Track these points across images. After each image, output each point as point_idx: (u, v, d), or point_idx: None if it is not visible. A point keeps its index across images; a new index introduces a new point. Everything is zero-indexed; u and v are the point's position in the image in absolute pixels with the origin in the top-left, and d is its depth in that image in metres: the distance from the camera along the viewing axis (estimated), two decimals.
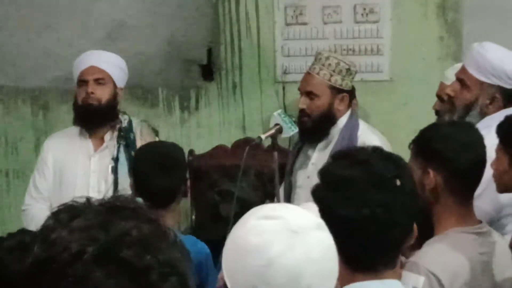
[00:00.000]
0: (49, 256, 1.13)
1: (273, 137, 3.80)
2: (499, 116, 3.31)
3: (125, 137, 4.14)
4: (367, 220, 1.94)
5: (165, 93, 5.66)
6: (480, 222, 2.62)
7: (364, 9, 5.37)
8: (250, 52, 5.55)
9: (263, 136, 3.75)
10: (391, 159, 2.05)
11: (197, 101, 5.66)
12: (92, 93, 4.07)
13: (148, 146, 3.60)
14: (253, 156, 4.21)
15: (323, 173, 2.07)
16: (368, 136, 3.75)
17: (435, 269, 2.38)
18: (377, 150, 2.12)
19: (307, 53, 5.30)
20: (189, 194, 5.34)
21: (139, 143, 4.15)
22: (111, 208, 1.19)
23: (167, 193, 3.22)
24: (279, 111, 3.90)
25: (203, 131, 5.65)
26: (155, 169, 3.23)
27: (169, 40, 5.56)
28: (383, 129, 4.70)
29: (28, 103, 5.63)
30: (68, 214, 1.18)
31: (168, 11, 5.53)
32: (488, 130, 2.77)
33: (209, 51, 5.60)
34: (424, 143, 2.58)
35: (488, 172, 2.68)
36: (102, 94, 4.09)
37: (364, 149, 2.12)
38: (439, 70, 4.79)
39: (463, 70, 3.53)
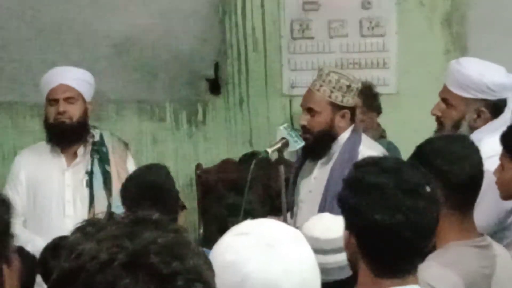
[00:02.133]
0: (77, 266, 1.16)
1: (280, 151, 3.80)
2: (487, 128, 3.35)
3: (98, 150, 4.17)
4: (401, 225, 1.98)
5: (172, 107, 5.69)
6: (482, 234, 2.63)
7: (370, 23, 5.40)
8: (257, 66, 5.57)
9: (269, 150, 3.75)
10: (417, 167, 2.09)
11: (204, 115, 5.69)
12: (64, 112, 4.09)
13: (131, 181, 3.49)
14: (260, 169, 4.22)
15: (351, 180, 2.09)
16: (368, 151, 3.74)
17: (435, 283, 2.38)
18: (400, 159, 2.18)
19: (314, 67, 5.32)
20: (197, 208, 5.38)
21: (111, 157, 4.20)
22: (134, 220, 1.23)
23: None
24: (285, 124, 3.90)
25: (210, 145, 5.68)
26: (144, 204, 3.18)
27: (176, 54, 5.60)
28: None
29: (36, 118, 5.66)
30: (93, 228, 1.22)
31: (175, 26, 5.56)
32: (478, 144, 2.77)
33: (216, 66, 5.63)
34: (419, 158, 2.59)
35: (482, 186, 2.68)
36: (73, 112, 4.12)
37: (389, 158, 2.17)
38: None
39: (445, 89, 3.54)
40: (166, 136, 5.71)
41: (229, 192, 5.19)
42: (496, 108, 3.44)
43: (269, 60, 5.57)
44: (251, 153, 5.28)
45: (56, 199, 4.11)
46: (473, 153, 2.63)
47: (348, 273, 2.57)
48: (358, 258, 2.05)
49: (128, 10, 5.56)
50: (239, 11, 5.53)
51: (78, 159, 4.16)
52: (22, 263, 2.76)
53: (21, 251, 2.97)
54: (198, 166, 5.43)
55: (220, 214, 5.17)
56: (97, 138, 4.22)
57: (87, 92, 4.20)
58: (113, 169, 4.17)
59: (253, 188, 4.61)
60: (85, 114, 4.17)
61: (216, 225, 5.19)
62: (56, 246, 3.04)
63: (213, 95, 5.68)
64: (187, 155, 5.69)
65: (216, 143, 5.67)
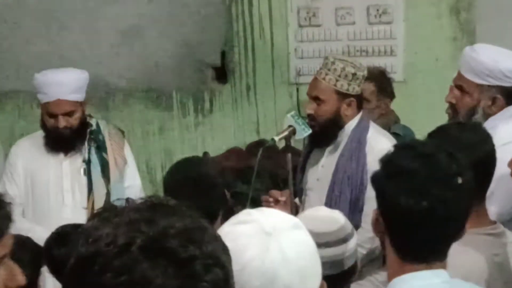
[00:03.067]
0: (95, 251, 1.16)
1: (287, 138, 3.79)
2: (502, 115, 3.33)
3: (95, 139, 4.16)
4: (425, 213, 1.97)
5: (179, 96, 5.69)
6: (494, 222, 2.62)
7: (377, 10, 5.38)
8: (264, 54, 5.56)
9: (276, 138, 3.74)
10: (455, 156, 2.07)
11: (211, 104, 5.68)
12: (64, 127, 4.05)
13: (171, 173, 3.32)
14: (267, 157, 4.22)
15: (386, 161, 2.09)
16: (377, 139, 3.73)
17: (447, 271, 2.38)
18: (442, 146, 2.15)
19: (321, 54, 5.30)
20: None
21: (108, 144, 4.20)
22: (152, 205, 1.23)
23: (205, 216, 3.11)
24: (292, 112, 3.89)
25: (217, 133, 5.67)
26: (186, 197, 3.08)
27: (183, 43, 5.59)
28: None
29: None
30: (110, 213, 1.21)
31: (182, 15, 5.55)
32: (493, 131, 2.76)
33: (223, 54, 5.62)
34: None
35: (496, 173, 2.67)
36: (73, 122, 4.07)
37: (429, 143, 2.15)
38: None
39: (459, 76, 3.52)
40: (173, 125, 5.71)
41: (236, 181, 5.19)
42: (511, 94, 3.42)
43: (276, 48, 5.55)
44: (258, 141, 5.28)
45: (54, 188, 4.11)
46: (485, 140, 2.61)
47: (339, 268, 2.56)
48: (385, 238, 2.07)
49: None
50: None
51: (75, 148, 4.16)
52: (28, 254, 2.76)
53: (27, 241, 2.97)
54: (205, 154, 5.43)
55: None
56: (93, 127, 4.21)
57: (82, 94, 4.13)
58: (110, 156, 4.17)
59: (260, 177, 4.60)
60: (83, 115, 4.14)
61: (223, 213, 5.19)
62: (61, 235, 3.02)
63: (219, 84, 5.67)
64: (194, 144, 5.69)
65: (223, 131, 5.66)
